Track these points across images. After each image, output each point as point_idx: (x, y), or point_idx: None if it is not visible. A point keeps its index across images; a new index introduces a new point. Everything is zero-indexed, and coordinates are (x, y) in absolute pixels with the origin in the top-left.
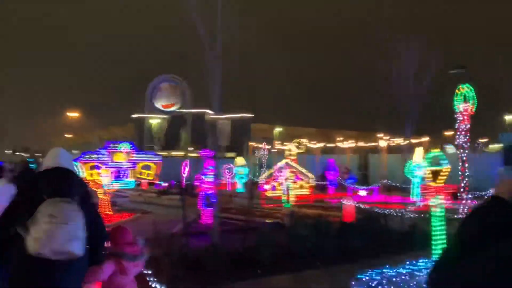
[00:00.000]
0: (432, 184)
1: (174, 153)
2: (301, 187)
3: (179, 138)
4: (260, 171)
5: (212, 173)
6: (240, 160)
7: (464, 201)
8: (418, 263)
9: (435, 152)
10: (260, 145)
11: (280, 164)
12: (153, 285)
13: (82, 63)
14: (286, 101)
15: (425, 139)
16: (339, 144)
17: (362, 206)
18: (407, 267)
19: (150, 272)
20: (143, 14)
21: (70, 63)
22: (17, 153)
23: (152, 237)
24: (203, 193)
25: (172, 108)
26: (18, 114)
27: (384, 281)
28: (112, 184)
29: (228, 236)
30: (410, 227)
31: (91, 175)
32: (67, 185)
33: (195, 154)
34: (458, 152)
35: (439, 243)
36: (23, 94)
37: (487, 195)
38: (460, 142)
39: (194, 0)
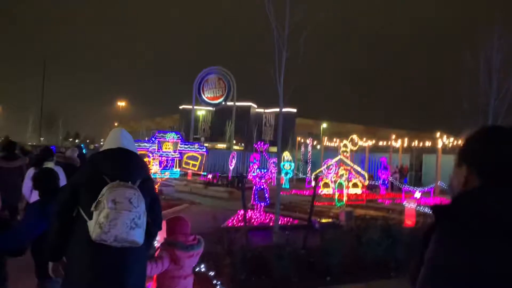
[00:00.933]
0: None
1: (218, 145)
2: (355, 185)
3: (224, 131)
4: (305, 167)
5: (257, 167)
6: (286, 155)
7: None
8: None
9: None
10: (306, 140)
11: (333, 160)
12: None
13: (136, 55)
14: (333, 97)
15: None
16: (392, 143)
17: (424, 210)
18: None
19: (212, 273)
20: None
21: (127, 55)
22: (70, 139)
23: (207, 230)
24: (257, 187)
25: (218, 101)
26: (70, 102)
27: None
28: (164, 173)
29: (286, 234)
30: None
31: None
32: (129, 167)
33: (238, 147)
34: None
35: None
36: (76, 82)
37: None
38: None
39: None
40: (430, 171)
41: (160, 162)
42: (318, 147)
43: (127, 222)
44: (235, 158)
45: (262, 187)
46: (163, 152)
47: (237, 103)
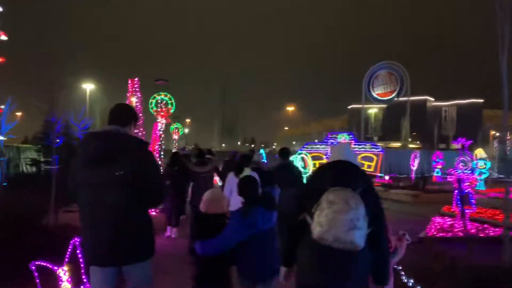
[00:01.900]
0: None
1: (392, 144)
2: None
3: (398, 128)
4: (501, 166)
5: (441, 166)
6: (479, 152)
7: None
8: None
9: None
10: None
11: None
12: None
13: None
14: None
15: None
16: None
17: None
18: None
19: None
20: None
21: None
22: (246, 144)
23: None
24: (460, 191)
25: (390, 97)
26: (247, 111)
27: None
28: None
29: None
30: None
31: (314, 165)
32: (348, 177)
33: (414, 145)
34: None
35: None
36: (251, 94)
37: None
38: None
39: None
40: None
41: None
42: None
43: (345, 222)
44: (418, 158)
45: (466, 190)
46: None
47: (411, 98)
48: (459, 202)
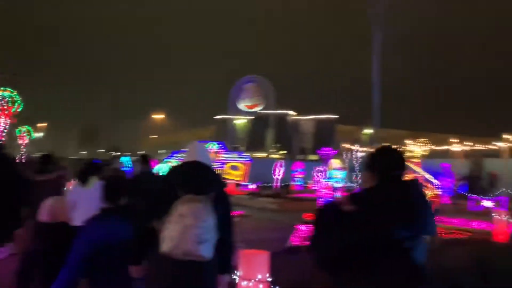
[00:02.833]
0: None
1: (257, 154)
2: None
3: (263, 139)
4: (351, 175)
5: (301, 176)
6: (335, 162)
7: None
8: None
9: None
10: (352, 147)
11: None
12: None
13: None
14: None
15: None
16: (452, 147)
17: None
18: None
19: None
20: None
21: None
22: (109, 152)
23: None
24: (322, 198)
25: (256, 109)
26: (109, 117)
27: None
28: None
29: None
30: None
31: None
32: (202, 180)
33: (277, 156)
34: None
35: None
36: (113, 98)
37: None
38: None
39: None
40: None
41: None
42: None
43: (194, 236)
44: (283, 167)
45: (330, 199)
46: None
47: (276, 111)
48: None
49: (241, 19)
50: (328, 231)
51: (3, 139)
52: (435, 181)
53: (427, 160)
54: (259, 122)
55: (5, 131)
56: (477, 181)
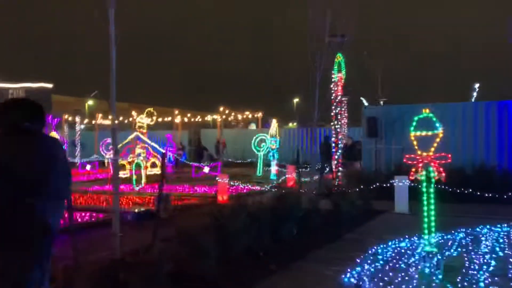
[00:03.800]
0: (422, 153)
1: None
2: (153, 165)
3: None
4: (72, 149)
5: None
6: (54, 135)
7: None
8: None
9: (426, 113)
10: (75, 118)
11: (128, 138)
12: None
13: None
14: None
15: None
16: (175, 120)
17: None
18: None
19: None
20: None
21: None
22: None
23: None
24: None
25: None
26: None
27: None
28: None
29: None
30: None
31: None
32: None
33: None
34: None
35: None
36: None
37: None
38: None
39: None
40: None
41: None
42: (82, 126)
43: None
44: None
45: None
46: None
47: None
48: None
49: None
50: None
51: None
52: (162, 151)
53: (153, 131)
54: None
55: None
56: (199, 151)
